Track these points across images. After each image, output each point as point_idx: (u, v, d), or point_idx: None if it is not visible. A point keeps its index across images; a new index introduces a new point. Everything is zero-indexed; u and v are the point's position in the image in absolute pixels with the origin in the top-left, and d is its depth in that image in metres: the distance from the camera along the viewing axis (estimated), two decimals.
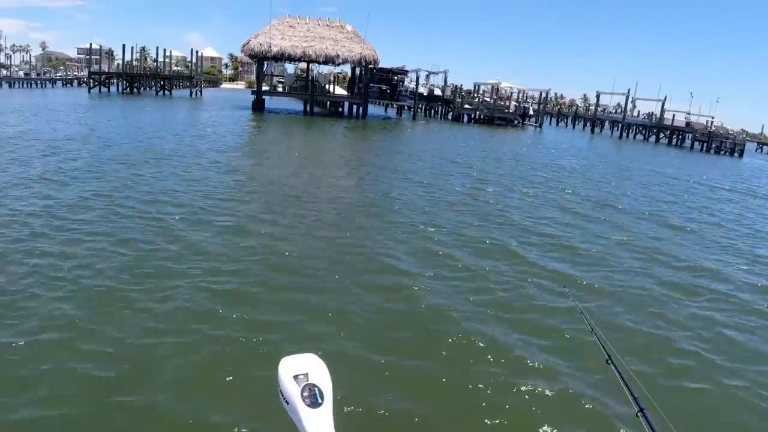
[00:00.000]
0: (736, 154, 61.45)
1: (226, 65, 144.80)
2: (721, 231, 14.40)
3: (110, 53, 78.61)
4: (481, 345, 6.31)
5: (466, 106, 64.42)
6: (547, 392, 5.46)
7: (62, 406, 4.60)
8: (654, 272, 9.75)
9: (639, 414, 2.41)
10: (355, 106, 49.36)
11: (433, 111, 66.31)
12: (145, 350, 5.56)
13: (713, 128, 66.95)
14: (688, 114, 73.40)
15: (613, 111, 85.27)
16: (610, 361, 2.85)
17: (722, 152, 61.96)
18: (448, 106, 64.95)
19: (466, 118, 62.44)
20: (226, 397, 4.89)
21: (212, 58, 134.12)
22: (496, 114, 61.94)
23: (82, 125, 24.76)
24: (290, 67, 58.42)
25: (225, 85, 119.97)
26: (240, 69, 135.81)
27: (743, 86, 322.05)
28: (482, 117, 61.89)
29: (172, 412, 4.68)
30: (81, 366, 5.17)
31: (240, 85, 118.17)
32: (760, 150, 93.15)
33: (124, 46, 61.75)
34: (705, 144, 63.52)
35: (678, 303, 8.38)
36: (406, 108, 60.48)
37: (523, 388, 5.49)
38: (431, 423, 4.89)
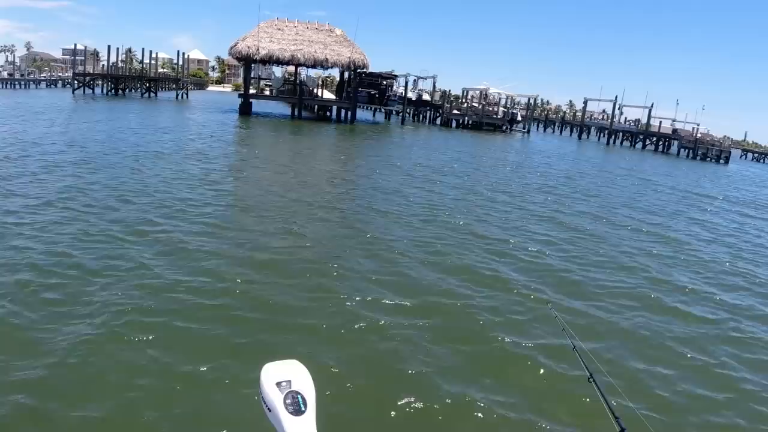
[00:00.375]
0: (722, 161, 61.93)
1: (213, 68, 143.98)
2: (724, 248, 14.08)
3: (96, 54, 77.74)
4: (465, 358, 6.28)
5: (455, 111, 64.32)
6: (525, 409, 5.39)
7: None
8: (646, 292, 9.40)
9: None
10: (343, 111, 49.01)
11: (421, 116, 66.14)
12: (125, 359, 5.35)
13: (699, 135, 67.50)
14: (674, 121, 74.02)
15: (600, 117, 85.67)
16: (591, 380, 2.80)
17: (708, 159, 62.42)
18: (436, 112, 64.85)
19: (454, 124, 62.32)
20: (206, 404, 4.85)
21: (199, 61, 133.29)
22: (484, 120, 61.90)
23: (62, 128, 23.93)
24: (278, 71, 58.05)
25: (212, 88, 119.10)
26: (227, 72, 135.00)
27: (726, 94, 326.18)
28: (471, 122, 61.80)
29: (151, 421, 4.63)
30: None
31: (227, 88, 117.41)
32: (744, 157, 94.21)
33: (109, 47, 61.11)
34: (691, 151, 63.98)
35: (667, 323, 8.10)
36: (394, 113, 60.21)
37: (499, 405, 5.40)
38: (415, 428, 4.90)
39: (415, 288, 8.13)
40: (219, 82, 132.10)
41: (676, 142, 68.43)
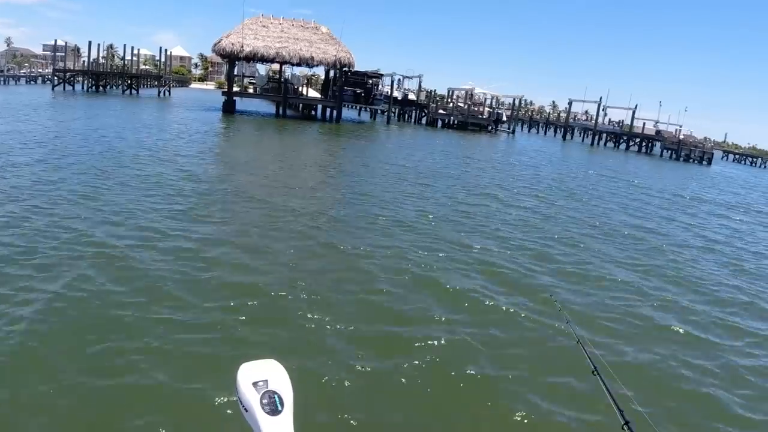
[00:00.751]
0: (704, 162, 62.44)
1: (196, 65, 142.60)
2: (724, 257, 13.80)
3: (77, 50, 76.49)
4: (459, 352, 6.27)
5: (441, 111, 64.15)
6: (529, 402, 5.45)
7: None
8: (645, 289, 9.54)
9: (624, 426, 2.34)
10: (328, 110, 48.58)
11: (406, 115, 65.92)
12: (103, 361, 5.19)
13: (682, 136, 68.03)
14: (657, 122, 74.60)
15: (583, 118, 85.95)
16: (595, 372, 2.79)
17: (691, 160, 62.88)
18: (422, 111, 64.65)
19: (439, 123, 62.17)
20: (182, 404, 4.75)
21: (182, 58, 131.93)
22: (470, 120, 61.80)
23: (34, 125, 23.07)
24: (262, 68, 57.46)
25: (194, 85, 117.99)
26: (210, 69, 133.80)
27: (707, 95, 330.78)
28: (456, 122, 61.67)
29: (126, 419, 4.50)
30: None
31: (210, 86, 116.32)
32: (726, 158, 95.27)
33: (90, 43, 60.04)
34: (674, 152, 64.40)
35: (668, 320, 8.25)
36: (379, 112, 59.91)
37: (503, 397, 5.51)
38: (393, 428, 4.85)
39: (403, 313, 7.40)
40: (202, 79, 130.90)
41: (658, 144, 68.90)
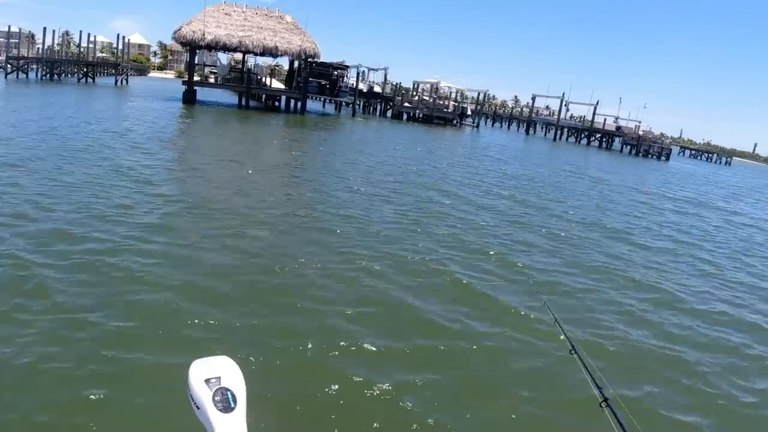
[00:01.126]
0: (663, 158, 63.75)
1: (155, 53, 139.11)
2: (710, 259, 13.84)
3: (31, 37, 73.69)
4: (446, 330, 6.47)
5: (406, 104, 63.88)
6: (509, 382, 5.65)
7: None
8: (624, 276, 10.08)
9: (603, 404, 2.39)
10: (292, 101, 47.76)
11: (372, 108, 65.47)
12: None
13: (641, 132, 69.34)
14: (617, 118, 75.80)
15: (546, 114, 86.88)
16: (573, 351, 2.84)
17: (650, 156, 64.13)
18: (387, 104, 64.29)
19: (405, 116, 61.92)
20: (133, 402, 4.59)
21: (140, 45, 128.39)
22: (435, 113, 61.69)
23: None
24: (224, 57, 56.15)
25: (153, 74, 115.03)
26: (170, 57, 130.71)
27: (662, 91, 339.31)
28: (421, 116, 61.51)
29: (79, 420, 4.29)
30: None
31: (169, 75, 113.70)
32: (682, 153, 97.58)
33: (44, 29, 57.73)
34: (633, 147, 65.59)
35: (642, 301, 8.76)
36: (344, 104, 59.23)
37: (485, 377, 5.66)
38: (354, 422, 4.73)
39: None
40: (161, 68, 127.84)
41: (618, 139, 70.16)
